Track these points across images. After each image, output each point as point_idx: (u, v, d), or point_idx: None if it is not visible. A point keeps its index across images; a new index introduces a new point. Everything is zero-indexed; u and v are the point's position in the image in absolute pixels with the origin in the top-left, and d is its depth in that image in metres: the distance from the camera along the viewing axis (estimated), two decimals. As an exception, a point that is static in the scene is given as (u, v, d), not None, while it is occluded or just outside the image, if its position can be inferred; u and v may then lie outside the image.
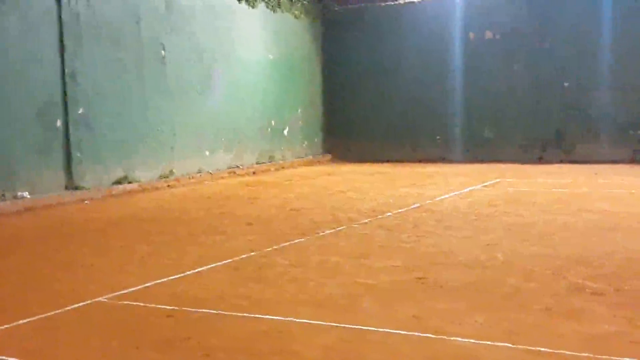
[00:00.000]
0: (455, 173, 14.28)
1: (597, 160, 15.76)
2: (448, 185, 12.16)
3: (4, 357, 4.23)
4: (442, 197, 10.72)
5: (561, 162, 16.04)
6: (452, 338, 4.34)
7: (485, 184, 12.31)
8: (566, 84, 16.21)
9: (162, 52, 13.37)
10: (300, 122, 17.75)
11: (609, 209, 9.21)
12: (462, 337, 4.34)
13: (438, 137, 17.44)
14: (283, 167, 16.57)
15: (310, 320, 4.77)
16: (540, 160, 16.33)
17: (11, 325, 4.88)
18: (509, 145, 16.77)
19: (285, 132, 17.18)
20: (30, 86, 10.78)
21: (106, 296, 5.54)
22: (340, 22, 18.35)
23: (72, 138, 11.50)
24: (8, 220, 9.64)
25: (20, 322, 4.95)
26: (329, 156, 18.47)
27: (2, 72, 10.36)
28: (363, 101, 18.23)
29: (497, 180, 12.88)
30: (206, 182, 13.87)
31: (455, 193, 11.12)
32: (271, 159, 16.63)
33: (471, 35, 16.96)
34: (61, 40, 11.34)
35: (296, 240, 7.59)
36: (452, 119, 17.24)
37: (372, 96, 18.09)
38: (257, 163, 16.11)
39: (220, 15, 14.90)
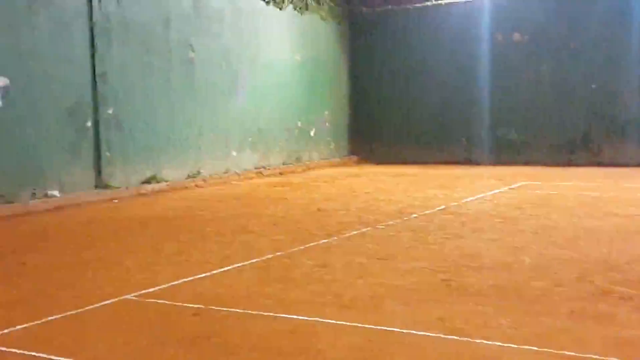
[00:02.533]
0: (481, 175, 14.21)
1: (624, 164, 15.58)
2: (474, 188, 12.11)
3: (33, 353, 4.30)
4: (468, 199, 10.68)
5: (588, 165, 15.88)
6: (477, 341, 4.33)
7: (512, 186, 12.24)
8: (594, 86, 16.05)
9: (191, 53, 13.48)
10: (326, 124, 17.78)
11: (637, 213, 9.11)
12: (487, 340, 4.33)
13: (463, 139, 17.36)
14: (309, 168, 16.60)
15: (335, 320, 4.79)
16: (567, 163, 16.18)
17: (41, 321, 4.97)
18: (535, 148, 16.64)
19: (312, 133, 17.22)
20: (61, 86, 10.93)
21: (134, 294, 5.61)
22: (367, 24, 18.36)
23: (101, 138, 11.65)
24: (38, 218, 9.79)
25: (50, 318, 5.03)
26: (355, 158, 18.47)
27: (33, 72, 10.53)
28: (389, 103, 18.21)
29: (524, 183, 12.80)
30: (233, 182, 13.95)
31: (482, 195, 11.07)
32: (297, 160, 16.67)
33: (499, 37, 16.87)
34: (92, 41, 11.50)
35: (322, 241, 7.61)
36: (478, 120, 17.15)
37: (398, 98, 18.07)
38: (284, 164, 16.17)
39: (248, 17, 14.99)
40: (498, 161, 16.72)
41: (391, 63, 18.04)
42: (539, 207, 9.72)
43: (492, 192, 11.50)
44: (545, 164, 16.16)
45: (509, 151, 16.83)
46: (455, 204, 10.22)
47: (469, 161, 17.11)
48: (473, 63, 17.08)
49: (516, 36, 16.70)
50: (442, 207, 9.92)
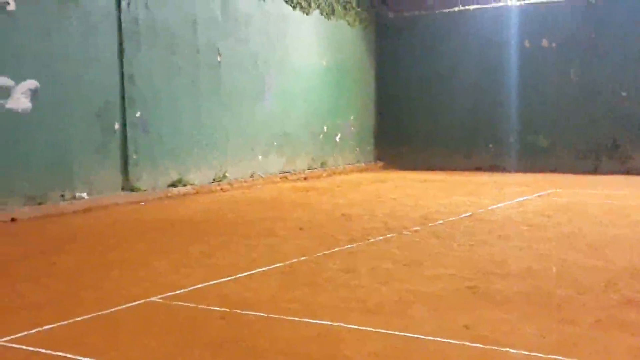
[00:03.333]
0: (508, 182, 14.11)
1: (653, 172, 15.40)
2: (501, 195, 12.03)
3: (60, 354, 4.36)
4: (495, 206, 10.62)
5: (616, 172, 15.70)
6: (503, 349, 4.30)
7: (539, 193, 12.14)
8: (624, 94, 15.87)
9: (218, 57, 13.57)
10: (352, 129, 17.78)
11: (668, 222, 8.99)
12: (513, 348, 4.30)
13: (490, 145, 17.26)
14: (335, 173, 16.61)
15: (360, 326, 4.79)
16: (595, 171, 16.01)
17: (68, 322, 5.03)
18: (563, 155, 16.48)
19: (338, 138, 17.23)
20: (90, 88, 11.06)
21: (160, 296, 5.66)
22: (394, 29, 18.33)
23: (129, 140, 11.77)
24: (67, 220, 9.91)
25: (77, 319, 5.09)
26: (380, 163, 18.44)
27: (62, 74, 10.66)
28: (416, 108, 18.16)
29: (551, 190, 12.69)
30: (259, 186, 14.00)
31: (508, 202, 11.00)
32: (323, 164, 16.69)
33: (527, 43, 16.75)
34: (120, 44, 11.63)
35: (347, 246, 7.61)
36: (506, 127, 17.02)
37: (425, 103, 18.01)
38: (309, 168, 16.19)
39: (275, 22, 15.06)
40: (525, 168, 16.58)
41: (418, 68, 17.99)
42: (565, 215, 9.64)
43: (519, 199, 11.42)
44: (573, 171, 16.00)
45: (536, 158, 16.69)
46: (482, 210, 10.17)
47: (495, 167, 16.99)
48: (501, 69, 16.96)
49: (544, 42, 16.58)
50: (469, 213, 9.87)
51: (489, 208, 10.38)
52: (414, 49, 18.02)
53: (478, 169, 17.00)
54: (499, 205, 10.71)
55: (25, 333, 4.76)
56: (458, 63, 17.50)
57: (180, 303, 5.49)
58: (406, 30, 18.12)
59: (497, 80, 17.02)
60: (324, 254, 7.24)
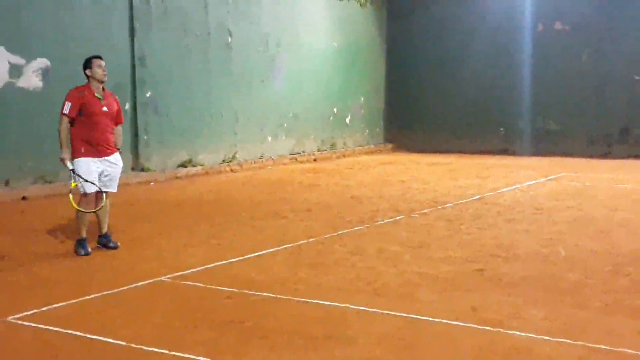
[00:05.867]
0: (518, 166, 14.06)
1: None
2: (511, 178, 11.99)
3: (70, 331, 4.40)
4: (504, 189, 10.59)
5: (627, 157, 15.60)
6: (509, 331, 4.31)
7: (549, 177, 12.09)
8: (637, 78, 15.73)
9: (228, 38, 13.53)
10: (362, 111, 17.72)
11: (678, 207, 8.94)
12: (520, 331, 4.31)
13: (501, 129, 17.17)
14: (344, 155, 16.59)
15: (367, 307, 4.81)
16: (606, 155, 15.91)
17: (77, 300, 5.07)
18: (574, 139, 16.38)
19: (348, 120, 17.19)
20: (101, 69, 11.06)
21: (168, 276, 5.70)
22: (405, 10, 18.20)
23: (139, 121, 11.79)
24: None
25: (87, 297, 5.14)
26: (390, 145, 18.40)
27: (73, 54, 10.63)
28: (426, 90, 18.07)
29: (561, 174, 12.64)
30: (268, 168, 14.01)
31: (518, 186, 10.96)
32: (332, 146, 16.67)
33: (540, 26, 16.61)
34: (131, 25, 11.61)
35: (355, 228, 7.62)
36: (517, 110, 16.92)
37: (435, 86, 17.92)
38: (319, 150, 16.18)
39: (286, 3, 14.97)
40: (536, 152, 16.50)
41: (429, 50, 17.87)
42: (575, 199, 9.60)
43: (529, 182, 11.39)
44: (584, 155, 15.90)
45: (547, 142, 16.59)
46: (491, 193, 10.14)
47: (506, 151, 16.91)
48: (513, 52, 16.83)
49: (558, 25, 16.43)
50: (478, 196, 9.86)
51: (498, 191, 10.36)
52: (426, 30, 17.90)
53: (488, 152, 16.92)
54: (508, 188, 10.68)
55: (36, 311, 4.81)
56: (470, 45, 17.37)
57: (188, 283, 5.52)
58: (418, 11, 17.99)
59: (509, 63, 16.89)
60: (332, 235, 7.25)
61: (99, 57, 6.66)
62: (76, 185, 6.45)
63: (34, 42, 10.15)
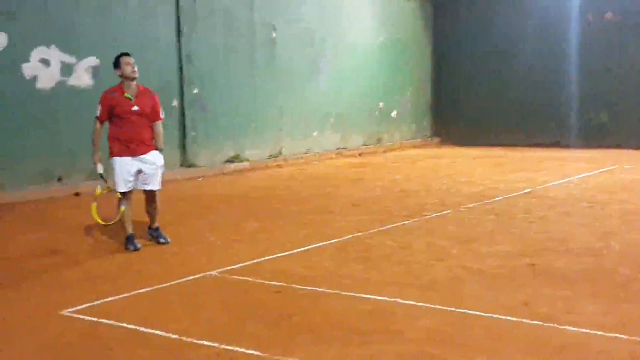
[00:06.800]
0: (569, 158, 13.79)
1: None
2: (562, 171, 11.76)
3: (122, 324, 4.47)
4: (555, 182, 10.39)
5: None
6: (562, 326, 4.23)
7: (601, 170, 11.82)
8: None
9: (273, 34, 13.57)
10: (408, 104, 17.59)
11: None
12: (574, 326, 4.22)
13: (551, 121, 16.85)
14: (390, 150, 16.51)
15: (415, 301, 4.77)
16: (660, 147, 15.49)
17: (129, 294, 5.15)
18: (626, 131, 15.97)
19: (394, 114, 17.08)
20: (149, 67, 11.18)
21: (217, 270, 5.74)
22: (452, 3, 17.99)
23: (187, 117, 11.92)
24: (127, 195, 10.08)
25: (139, 291, 5.21)
26: (437, 139, 18.24)
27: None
28: (473, 83, 17.84)
29: (614, 166, 12.34)
30: (314, 163, 14.02)
31: (569, 179, 10.75)
32: (378, 141, 16.60)
33: (589, 16, 16.24)
34: (178, 24, 11.74)
35: (402, 222, 7.57)
36: (567, 102, 16.58)
37: (483, 78, 17.67)
38: (365, 145, 16.12)
39: (331, -2, 14.96)
40: (587, 144, 16.14)
41: (476, 43, 17.63)
42: (628, 192, 9.37)
43: (580, 175, 11.15)
44: (636, 147, 15.51)
45: (598, 134, 16.22)
46: (542, 187, 9.97)
47: (557, 144, 16.57)
48: (562, 43, 16.48)
49: (608, 15, 16.04)
50: (528, 190, 9.69)
51: (549, 185, 10.17)
52: (472, 22, 17.67)
53: (538, 144, 16.61)
54: (560, 182, 10.48)
55: (89, 304, 4.90)
56: (517, 37, 17.08)
57: (236, 277, 5.56)
58: (464, 3, 17.77)
59: (558, 54, 16.55)
60: (379, 230, 7.21)
61: (127, 54, 6.68)
62: (101, 193, 6.58)
63: (84, 41, 10.35)
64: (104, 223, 6.58)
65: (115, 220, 6.63)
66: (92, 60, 10.44)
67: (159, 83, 11.39)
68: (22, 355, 4.08)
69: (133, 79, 6.59)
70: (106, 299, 5.02)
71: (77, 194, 9.90)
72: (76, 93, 10.28)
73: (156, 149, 6.77)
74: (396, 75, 17.01)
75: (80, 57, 10.33)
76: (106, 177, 6.69)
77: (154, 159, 6.70)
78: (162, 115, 6.89)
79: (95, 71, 10.46)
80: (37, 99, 9.90)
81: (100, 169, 6.59)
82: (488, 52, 17.47)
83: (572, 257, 5.95)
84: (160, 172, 6.80)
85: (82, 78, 10.37)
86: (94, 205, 6.55)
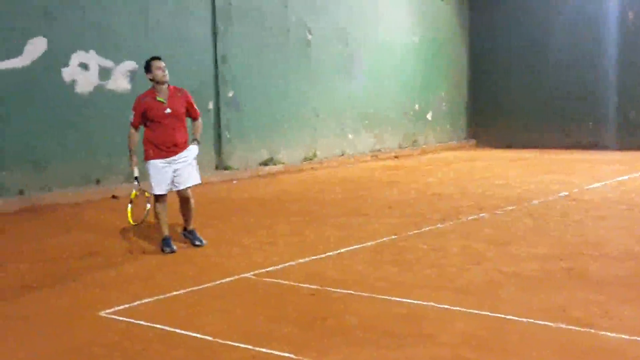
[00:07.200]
0: (607, 161, 13.57)
1: None
2: (599, 173, 11.58)
3: (158, 326, 4.52)
4: (593, 185, 10.24)
5: None
6: (600, 332, 4.17)
7: (641, 172, 11.62)
8: None
9: (308, 35, 13.60)
10: (444, 106, 17.48)
11: None
12: (611, 332, 4.16)
13: (589, 122, 16.59)
14: (426, 152, 16.43)
15: (450, 305, 4.74)
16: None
17: (165, 296, 5.21)
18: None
19: (429, 116, 16.99)
20: (185, 69, 11.29)
21: (252, 272, 5.77)
22: (488, 2, 17.83)
23: (222, 119, 12.00)
24: (163, 197, 10.19)
25: (173, 293, 5.26)
26: (473, 141, 18.09)
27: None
28: (510, 84, 17.65)
29: (654, 168, 12.12)
30: (348, 165, 14.01)
31: (607, 182, 10.58)
32: (414, 143, 16.52)
33: (630, 14, 15.96)
34: (213, 25, 11.83)
35: (437, 225, 7.53)
36: (605, 103, 16.30)
37: (519, 79, 17.47)
38: (400, 147, 16.07)
39: (366, -1, 14.95)
40: (626, 146, 15.86)
41: (513, 42, 17.44)
42: (669, 195, 9.20)
43: (619, 178, 10.97)
44: (678, 148, 15.21)
45: (637, 135, 15.95)
46: (579, 190, 9.83)
47: (595, 145, 16.30)
48: (601, 41, 16.21)
49: (630, 15, 15.74)
50: (565, 193, 9.57)
51: (587, 187, 10.03)
52: (509, 21, 17.47)
53: (575, 146, 16.38)
54: (597, 184, 10.32)
55: (126, 306, 4.97)
56: (555, 36, 16.85)
57: (271, 280, 5.58)
58: (501, 3, 17.59)
59: (597, 54, 16.29)
60: (414, 232, 7.19)
61: (157, 58, 6.75)
62: (136, 195, 6.70)
63: (121, 45, 10.49)
64: (133, 223, 6.72)
65: (142, 219, 6.74)
66: (130, 64, 10.58)
67: (195, 84, 11.50)
68: (59, 354, 4.16)
69: (164, 82, 6.66)
70: (142, 301, 5.08)
71: (114, 197, 10.04)
72: (114, 97, 10.43)
73: (192, 141, 6.81)
74: (432, 76, 16.92)
75: (117, 61, 10.48)
76: (141, 180, 6.79)
77: (187, 152, 6.76)
78: (199, 112, 6.96)
79: (132, 75, 10.59)
80: (76, 103, 10.06)
81: (136, 172, 6.72)
82: (524, 51, 17.26)
83: (609, 261, 5.86)
84: (195, 164, 6.86)
85: (119, 82, 10.52)
86: (129, 207, 6.69)
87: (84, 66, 10.13)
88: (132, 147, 6.74)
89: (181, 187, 6.79)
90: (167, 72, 6.69)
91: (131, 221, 6.70)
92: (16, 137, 9.44)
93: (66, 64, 9.92)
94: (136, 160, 6.73)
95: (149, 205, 6.80)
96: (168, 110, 6.62)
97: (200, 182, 7.02)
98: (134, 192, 6.81)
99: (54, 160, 9.83)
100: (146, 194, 6.83)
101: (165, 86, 6.69)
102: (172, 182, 6.73)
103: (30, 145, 9.59)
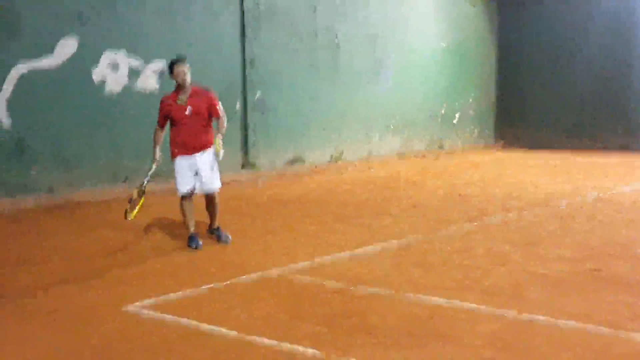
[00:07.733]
0: (638, 163, 13.39)
1: None
2: (629, 176, 11.44)
3: (184, 320, 4.56)
4: (622, 188, 10.11)
5: None
6: (628, 334, 4.11)
7: (672, 176, 11.45)
8: None
9: (335, 39, 13.61)
10: (471, 110, 17.38)
11: None
12: (638, 334, 4.10)
13: (619, 125, 16.37)
14: (452, 154, 16.34)
15: (475, 306, 4.71)
16: None
17: (191, 291, 5.24)
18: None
19: (456, 119, 16.90)
20: (213, 71, 11.37)
21: (277, 270, 5.79)
22: (517, 5, 17.70)
23: (249, 120, 12.05)
24: (190, 196, 10.26)
25: (199, 289, 5.30)
26: (500, 143, 17.96)
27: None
28: (538, 86, 17.50)
29: (686, 172, 11.94)
30: (374, 167, 13.98)
31: (637, 184, 10.44)
32: (440, 145, 16.44)
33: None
34: (242, 28, 11.89)
35: (463, 226, 7.49)
36: (636, 105, 16.12)
37: (548, 81, 17.32)
38: (426, 149, 16.01)
39: (393, 3, 14.89)
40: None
41: (541, 46, 17.29)
42: (701, 199, 9.05)
43: (649, 181, 10.83)
44: None
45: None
46: (607, 192, 9.71)
47: (625, 148, 16.09)
48: (631, 43, 16.01)
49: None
50: (593, 195, 9.46)
51: (615, 190, 9.90)
52: (538, 25, 17.33)
53: (605, 149, 16.19)
54: (627, 187, 10.19)
55: (152, 301, 5.02)
56: (584, 38, 16.68)
57: (295, 277, 5.59)
58: (529, 5, 17.46)
59: (626, 55, 16.07)
60: (439, 233, 7.15)
61: (180, 61, 6.82)
62: (138, 194, 6.74)
63: (150, 45, 10.58)
64: (127, 218, 6.64)
65: (131, 214, 6.65)
66: (158, 64, 10.67)
67: (222, 85, 11.57)
68: (86, 348, 4.21)
69: (184, 85, 6.73)
70: (168, 296, 5.12)
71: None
72: (143, 97, 10.52)
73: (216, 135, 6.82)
74: (459, 80, 16.84)
75: (147, 61, 10.57)
76: (150, 180, 6.86)
77: (208, 157, 6.81)
78: (221, 112, 6.94)
79: (161, 75, 10.67)
80: (106, 103, 10.16)
81: (152, 169, 6.81)
82: (553, 54, 17.12)
83: (638, 262, 5.79)
84: (216, 169, 6.92)
85: (148, 82, 10.61)
86: (141, 200, 6.74)
87: (114, 66, 10.23)
88: (155, 146, 6.86)
89: (205, 189, 6.88)
90: (189, 75, 6.76)
91: (133, 214, 6.66)
92: (46, 136, 9.56)
93: (96, 64, 10.02)
94: (157, 157, 6.80)
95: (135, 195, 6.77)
96: (188, 112, 6.71)
97: (220, 186, 7.06)
98: (137, 189, 6.83)
99: (83, 159, 9.94)
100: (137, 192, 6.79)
101: (187, 88, 6.76)
102: (196, 183, 6.81)
103: (60, 143, 9.70)
